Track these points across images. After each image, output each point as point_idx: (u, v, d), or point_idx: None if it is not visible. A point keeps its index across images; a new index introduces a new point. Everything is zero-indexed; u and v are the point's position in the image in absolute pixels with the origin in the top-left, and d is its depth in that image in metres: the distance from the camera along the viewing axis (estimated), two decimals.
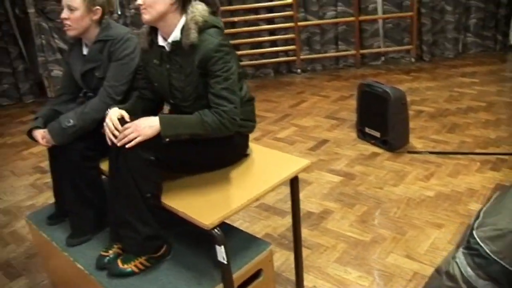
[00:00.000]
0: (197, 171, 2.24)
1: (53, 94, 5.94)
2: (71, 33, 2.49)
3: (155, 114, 2.24)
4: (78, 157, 2.44)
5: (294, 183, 2.28)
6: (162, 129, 1.99)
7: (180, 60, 2.12)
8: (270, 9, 5.90)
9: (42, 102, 6.15)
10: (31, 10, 5.64)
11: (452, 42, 6.17)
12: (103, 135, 2.33)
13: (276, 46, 6.04)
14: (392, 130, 3.64)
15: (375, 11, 5.97)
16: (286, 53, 6.07)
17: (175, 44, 2.12)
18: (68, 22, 2.46)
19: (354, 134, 4.06)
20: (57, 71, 5.81)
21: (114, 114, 2.14)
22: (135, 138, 1.99)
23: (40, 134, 2.48)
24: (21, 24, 6.21)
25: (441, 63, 6.00)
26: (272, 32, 5.99)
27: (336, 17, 5.96)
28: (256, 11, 5.84)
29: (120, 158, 2.05)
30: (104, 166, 2.50)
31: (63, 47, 5.79)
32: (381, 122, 3.70)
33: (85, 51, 2.63)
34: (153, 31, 2.22)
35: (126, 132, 2.01)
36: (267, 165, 2.31)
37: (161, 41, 2.19)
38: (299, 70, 6.07)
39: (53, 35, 5.76)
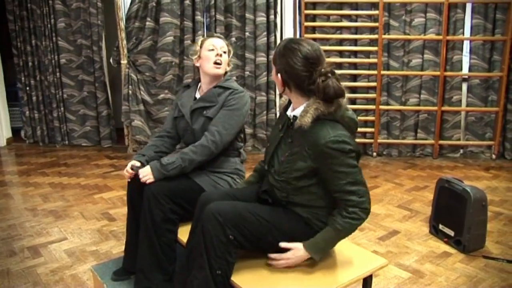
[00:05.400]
0: (269, 251, 2.20)
1: (130, 142, 6.17)
2: (222, 71, 2.84)
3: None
4: (161, 218, 2.52)
5: (367, 281, 2.21)
6: (315, 257, 2.11)
7: (293, 136, 2.15)
8: (353, 90, 5.95)
9: (118, 148, 6.39)
10: (124, 62, 5.94)
11: None
12: (186, 200, 2.40)
13: None
14: (468, 232, 3.49)
15: (458, 102, 5.89)
16: (363, 134, 6.06)
17: (294, 119, 2.15)
18: (220, 62, 2.83)
19: (426, 229, 3.92)
20: (137, 121, 6.04)
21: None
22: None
23: (141, 171, 2.62)
24: (113, 72, 6.55)
25: None
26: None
27: (418, 105, 5.92)
28: None
29: (198, 229, 2.08)
30: (181, 235, 2.55)
31: (146, 99, 6.02)
32: (457, 221, 3.56)
33: (197, 94, 2.91)
34: None
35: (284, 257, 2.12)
36: (342, 258, 2.27)
37: (289, 110, 2.24)
38: (374, 154, 6.02)
39: (140, 87, 6.02)
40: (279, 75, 2.12)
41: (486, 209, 3.56)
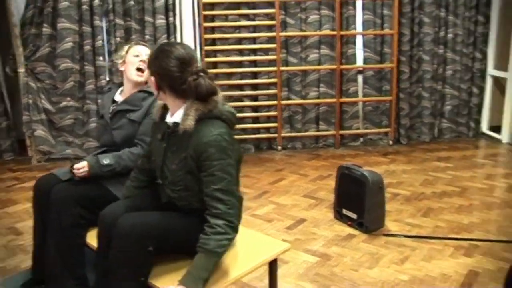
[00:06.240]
0: (181, 251, 2.22)
1: (34, 153, 5.96)
2: (143, 79, 2.90)
3: (147, 186, 2.41)
4: (70, 223, 2.52)
5: (272, 265, 2.33)
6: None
7: (177, 143, 2.13)
8: (254, 86, 6.10)
9: (21, 160, 6.13)
10: (21, 70, 5.74)
11: (428, 127, 6.43)
12: (97, 205, 2.45)
13: (258, 122, 6.19)
14: (368, 213, 3.73)
15: (355, 93, 6.22)
16: (267, 129, 6.21)
17: (175, 125, 2.13)
18: (143, 68, 2.88)
19: (331, 215, 4.13)
20: (40, 131, 5.85)
21: None
22: None
23: (81, 164, 2.65)
24: (10, 82, 6.29)
25: (417, 146, 6.23)
26: (255, 108, 6.15)
27: (318, 98, 6.18)
28: (240, 87, 6.02)
29: (116, 245, 2.06)
30: (90, 239, 2.55)
31: (48, 108, 5.86)
32: (358, 205, 3.79)
33: (117, 97, 2.97)
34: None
35: None
36: (247, 246, 2.37)
37: (168, 118, 2.21)
38: (279, 148, 6.19)
39: (40, 95, 5.84)
40: (153, 78, 2.15)
41: (383, 191, 3.82)
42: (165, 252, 2.15)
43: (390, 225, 3.90)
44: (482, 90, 6.53)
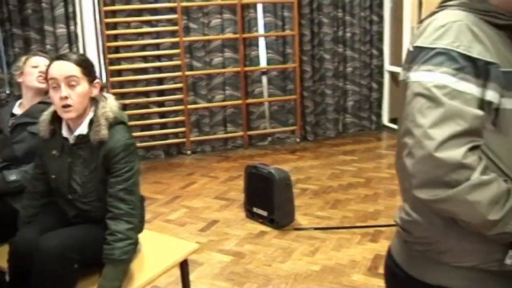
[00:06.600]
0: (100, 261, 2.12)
1: None
2: (45, 86, 2.65)
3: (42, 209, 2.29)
4: None
5: (184, 266, 2.34)
6: None
7: (84, 155, 2.08)
8: (160, 92, 6.04)
9: None
10: None
11: (332, 122, 6.66)
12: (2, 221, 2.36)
13: (166, 128, 6.14)
14: (278, 209, 3.82)
15: (261, 94, 6.33)
16: (176, 135, 6.18)
17: (80, 137, 2.08)
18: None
19: (243, 214, 4.18)
20: None
21: None
22: None
23: None
24: None
25: (324, 142, 6.43)
26: (162, 114, 6.10)
27: (224, 100, 6.23)
28: (146, 94, 5.96)
29: (44, 271, 1.96)
30: None
31: None
32: (268, 202, 3.87)
33: (16, 110, 2.85)
34: (56, 120, 2.17)
35: None
36: (156, 249, 2.37)
37: (65, 132, 2.13)
38: (189, 152, 6.17)
39: None
40: (98, 84, 2.12)
41: (291, 187, 3.93)
42: (86, 267, 2.09)
43: (300, 219, 4.01)
44: (380, 85, 6.86)
